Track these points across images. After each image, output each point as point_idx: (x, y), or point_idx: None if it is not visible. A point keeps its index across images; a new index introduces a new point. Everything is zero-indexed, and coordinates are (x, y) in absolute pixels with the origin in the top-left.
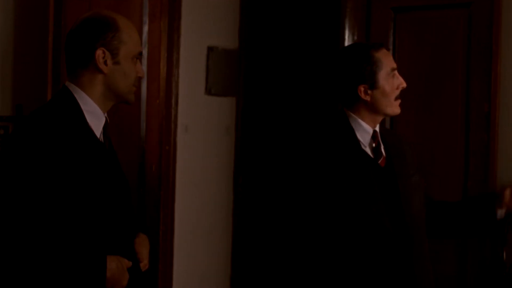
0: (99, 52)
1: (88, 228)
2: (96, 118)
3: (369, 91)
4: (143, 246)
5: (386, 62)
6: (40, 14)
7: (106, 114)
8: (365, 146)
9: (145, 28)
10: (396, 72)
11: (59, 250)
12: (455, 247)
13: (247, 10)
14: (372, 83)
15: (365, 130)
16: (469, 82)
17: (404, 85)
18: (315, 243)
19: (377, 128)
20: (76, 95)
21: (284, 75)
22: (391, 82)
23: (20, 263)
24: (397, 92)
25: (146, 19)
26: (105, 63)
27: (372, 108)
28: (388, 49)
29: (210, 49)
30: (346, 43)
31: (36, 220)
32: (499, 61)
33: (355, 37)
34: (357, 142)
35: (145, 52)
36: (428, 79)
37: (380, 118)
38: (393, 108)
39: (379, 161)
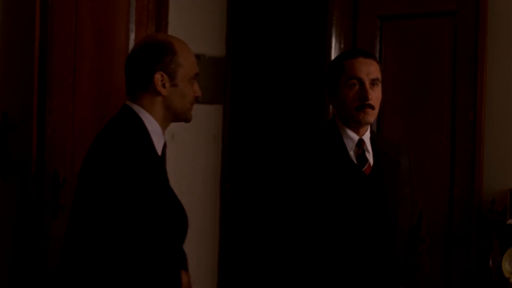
0: (157, 76)
1: (164, 243)
2: (158, 138)
3: (333, 98)
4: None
5: (349, 70)
6: (26, 21)
7: (164, 134)
8: (349, 153)
9: (132, 36)
10: (361, 81)
11: (144, 262)
12: (439, 254)
13: (234, 18)
14: (333, 91)
15: (349, 137)
16: (455, 90)
17: (367, 97)
18: (296, 245)
19: (365, 136)
20: (141, 115)
21: (271, 83)
22: (348, 91)
23: (110, 272)
24: (358, 102)
25: (132, 26)
26: (164, 86)
27: (341, 116)
28: (374, 57)
29: (197, 57)
30: (333, 51)
31: (128, 234)
32: (484, 69)
33: (342, 45)
34: (344, 148)
35: None
36: (414, 87)
37: (356, 126)
38: (355, 117)
39: (363, 169)
